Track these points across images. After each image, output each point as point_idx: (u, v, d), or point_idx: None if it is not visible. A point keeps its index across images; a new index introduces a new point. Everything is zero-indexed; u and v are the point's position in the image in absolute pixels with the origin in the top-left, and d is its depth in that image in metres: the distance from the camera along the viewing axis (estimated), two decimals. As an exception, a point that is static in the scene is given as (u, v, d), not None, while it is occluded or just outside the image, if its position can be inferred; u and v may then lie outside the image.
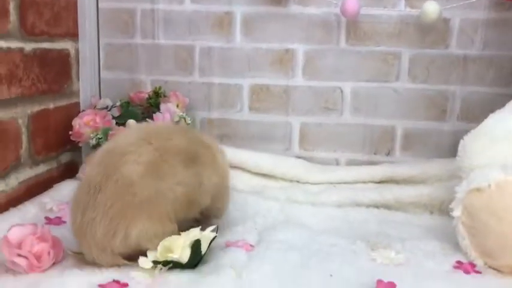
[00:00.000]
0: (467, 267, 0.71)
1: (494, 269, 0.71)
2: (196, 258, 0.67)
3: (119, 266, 0.65)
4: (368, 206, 0.99)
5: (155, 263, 0.65)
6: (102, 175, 0.65)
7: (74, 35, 1.12)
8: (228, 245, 0.74)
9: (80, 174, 1.05)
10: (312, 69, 1.14)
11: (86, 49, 1.14)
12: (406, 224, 0.91)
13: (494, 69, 1.09)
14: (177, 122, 1.06)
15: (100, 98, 1.16)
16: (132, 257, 0.66)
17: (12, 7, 0.88)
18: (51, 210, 0.88)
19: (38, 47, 0.97)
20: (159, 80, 1.18)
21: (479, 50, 1.09)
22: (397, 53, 1.11)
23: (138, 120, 1.05)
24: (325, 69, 1.14)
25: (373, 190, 1.02)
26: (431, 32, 1.10)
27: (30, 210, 0.87)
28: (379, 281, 0.64)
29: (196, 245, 0.66)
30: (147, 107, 1.12)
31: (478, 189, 0.71)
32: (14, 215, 0.83)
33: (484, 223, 0.71)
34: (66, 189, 0.96)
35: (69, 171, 1.09)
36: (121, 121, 1.06)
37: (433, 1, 1.01)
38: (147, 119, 1.05)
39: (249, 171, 1.09)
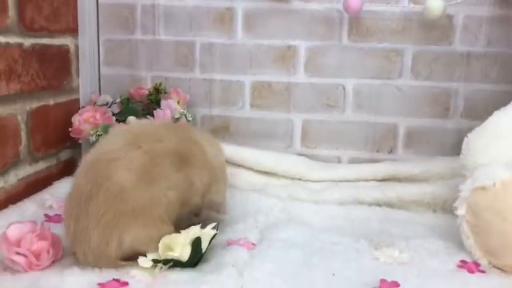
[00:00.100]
0: (471, 267, 0.70)
1: (498, 268, 0.70)
2: (197, 256, 0.66)
3: (117, 268, 0.64)
4: (370, 204, 0.98)
5: (155, 261, 0.64)
6: (92, 183, 0.63)
7: (73, 31, 1.11)
8: (229, 244, 0.74)
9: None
10: (314, 66, 1.13)
11: (86, 45, 1.13)
12: (409, 222, 0.91)
13: (498, 67, 1.08)
14: (178, 118, 1.05)
15: (100, 94, 1.16)
16: (131, 258, 0.65)
17: (11, 2, 0.87)
18: (50, 207, 0.87)
19: (37, 43, 0.96)
20: (159, 76, 1.17)
21: (483, 47, 1.08)
22: (400, 50, 1.10)
23: (138, 117, 1.04)
24: (327, 66, 1.13)
25: (375, 188, 1.01)
26: (435, 28, 1.08)
27: (30, 207, 0.86)
28: (383, 280, 0.63)
29: (196, 243, 0.65)
30: (147, 104, 1.11)
31: (483, 188, 0.70)
32: (13, 212, 0.82)
33: (488, 222, 0.70)
34: (65, 187, 0.94)
35: (69, 168, 1.08)
36: (121, 118, 1.05)
37: (437, -3, 1.00)
38: (147, 116, 1.04)
39: (250, 169, 1.08)
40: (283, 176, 1.08)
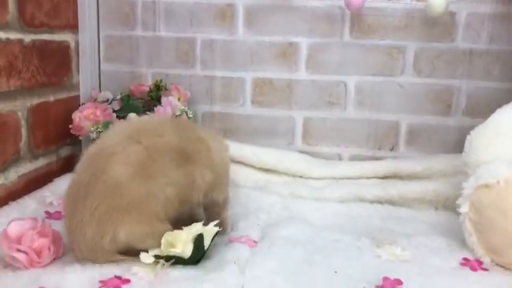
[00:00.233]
0: (474, 264, 0.70)
1: (501, 266, 0.70)
2: (199, 253, 0.66)
3: (114, 261, 0.64)
4: (372, 201, 0.98)
5: (157, 257, 0.63)
6: (90, 176, 0.63)
7: (73, 27, 1.10)
8: (231, 241, 0.73)
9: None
10: (316, 62, 1.13)
11: (86, 41, 1.12)
12: (411, 220, 0.91)
13: (500, 64, 1.08)
14: (179, 115, 1.05)
15: (100, 91, 1.15)
16: (126, 253, 0.65)
17: (11, -3, 0.87)
18: (51, 204, 0.87)
19: (38, 39, 0.96)
20: (160, 72, 1.17)
21: (485, 44, 1.07)
22: (402, 47, 1.10)
23: (139, 113, 1.03)
24: (329, 63, 1.12)
25: (376, 186, 1.01)
26: (437, 25, 1.08)
27: (30, 204, 0.86)
28: (386, 278, 0.63)
29: (199, 240, 0.65)
30: (148, 100, 1.11)
31: (487, 186, 0.70)
32: (13, 209, 0.82)
33: (491, 220, 0.70)
34: (66, 184, 0.92)
35: (69, 165, 1.08)
36: (122, 114, 1.05)
37: (440, -6, 0.99)
38: (148, 113, 1.03)
39: (251, 166, 1.07)
40: (285, 174, 1.07)
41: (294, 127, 1.16)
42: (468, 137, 0.81)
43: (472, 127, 0.81)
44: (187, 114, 1.06)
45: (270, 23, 1.12)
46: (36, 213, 0.81)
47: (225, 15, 1.13)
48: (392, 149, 1.14)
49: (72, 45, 1.10)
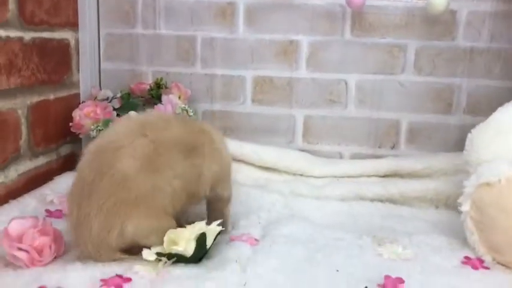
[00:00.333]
0: (475, 263, 0.70)
1: (502, 264, 0.70)
2: (201, 252, 0.66)
3: (116, 260, 0.64)
4: (372, 200, 0.98)
5: (159, 255, 0.63)
6: (96, 170, 0.63)
7: (74, 25, 1.10)
8: (232, 239, 0.73)
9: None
10: (316, 61, 1.13)
11: (86, 39, 1.12)
12: (412, 218, 0.91)
13: (501, 62, 1.08)
14: (179, 114, 1.05)
15: (100, 89, 1.15)
16: (130, 251, 0.65)
17: (11, -5, 0.86)
18: (51, 202, 0.87)
19: (38, 37, 0.95)
20: (160, 71, 1.16)
21: (486, 43, 1.07)
22: (402, 45, 1.10)
23: (139, 112, 1.03)
24: (330, 61, 1.12)
25: (377, 184, 1.01)
26: (438, 24, 1.08)
27: (30, 202, 0.85)
28: (387, 277, 0.63)
29: (201, 238, 0.64)
30: (148, 99, 1.11)
31: (488, 184, 0.70)
32: (14, 208, 0.82)
33: (492, 218, 0.70)
34: (66, 182, 0.94)
35: (69, 163, 1.07)
36: (122, 113, 1.04)
37: (441, -8, 0.99)
38: (147, 110, 1.03)
39: (252, 165, 1.07)
40: (285, 172, 1.07)
41: (294, 125, 1.16)
42: (469, 135, 0.81)
43: (473, 125, 0.81)
44: (187, 113, 1.06)
45: (271, 21, 1.12)
46: (36, 212, 0.81)
47: (226, 13, 1.13)
48: (393, 148, 1.14)
49: (72, 43, 1.09)
